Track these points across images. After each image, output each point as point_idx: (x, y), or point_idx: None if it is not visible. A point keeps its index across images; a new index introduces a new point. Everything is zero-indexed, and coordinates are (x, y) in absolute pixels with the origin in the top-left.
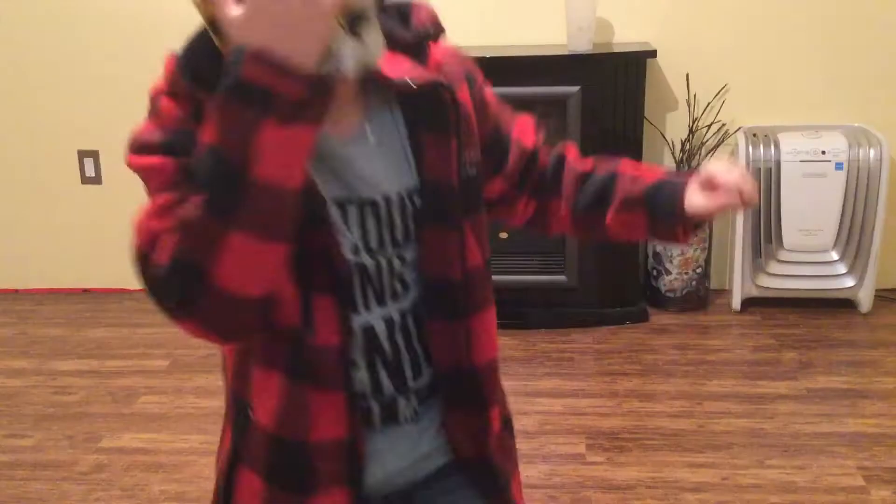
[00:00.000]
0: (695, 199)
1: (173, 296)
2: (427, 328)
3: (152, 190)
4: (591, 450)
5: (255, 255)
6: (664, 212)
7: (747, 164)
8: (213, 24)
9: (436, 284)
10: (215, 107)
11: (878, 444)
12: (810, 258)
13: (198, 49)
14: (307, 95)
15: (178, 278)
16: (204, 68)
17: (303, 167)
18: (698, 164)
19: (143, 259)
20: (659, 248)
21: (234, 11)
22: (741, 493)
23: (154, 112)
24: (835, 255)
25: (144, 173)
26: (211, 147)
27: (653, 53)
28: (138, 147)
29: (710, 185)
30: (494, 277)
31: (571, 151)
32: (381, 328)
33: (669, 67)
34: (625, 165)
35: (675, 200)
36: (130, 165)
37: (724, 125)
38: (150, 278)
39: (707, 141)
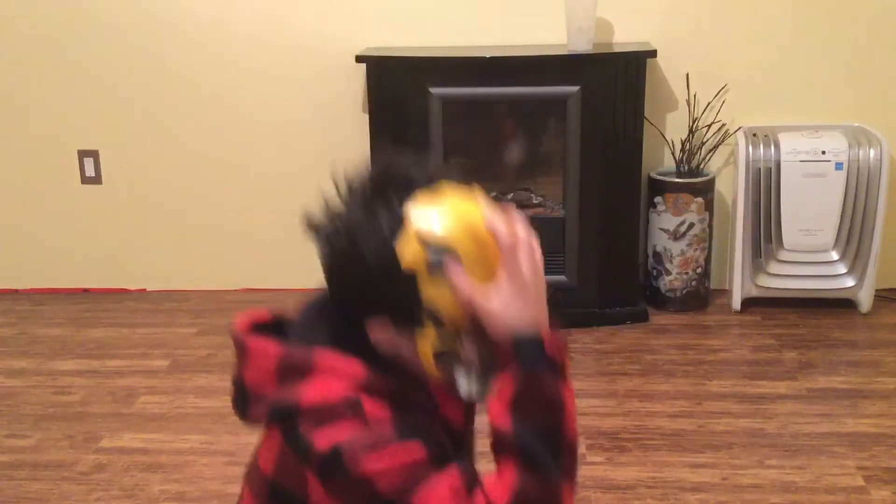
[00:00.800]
0: None
1: None
2: None
3: (401, 483)
4: (591, 450)
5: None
6: None
7: (747, 164)
8: (457, 326)
9: None
10: (522, 389)
11: (877, 444)
12: (810, 258)
13: (366, 350)
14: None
15: None
16: (383, 364)
17: None
18: (698, 165)
19: None
20: (659, 248)
21: (493, 302)
22: (741, 493)
23: (358, 418)
24: (835, 255)
25: (397, 472)
26: (533, 422)
27: (653, 53)
28: (378, 449)
29: None
30: None
31: None
32: None
33: (669, 67)
34: None
35: None
36: (371, 474)
37: (724, 125)
38: None
39: (707, 141)
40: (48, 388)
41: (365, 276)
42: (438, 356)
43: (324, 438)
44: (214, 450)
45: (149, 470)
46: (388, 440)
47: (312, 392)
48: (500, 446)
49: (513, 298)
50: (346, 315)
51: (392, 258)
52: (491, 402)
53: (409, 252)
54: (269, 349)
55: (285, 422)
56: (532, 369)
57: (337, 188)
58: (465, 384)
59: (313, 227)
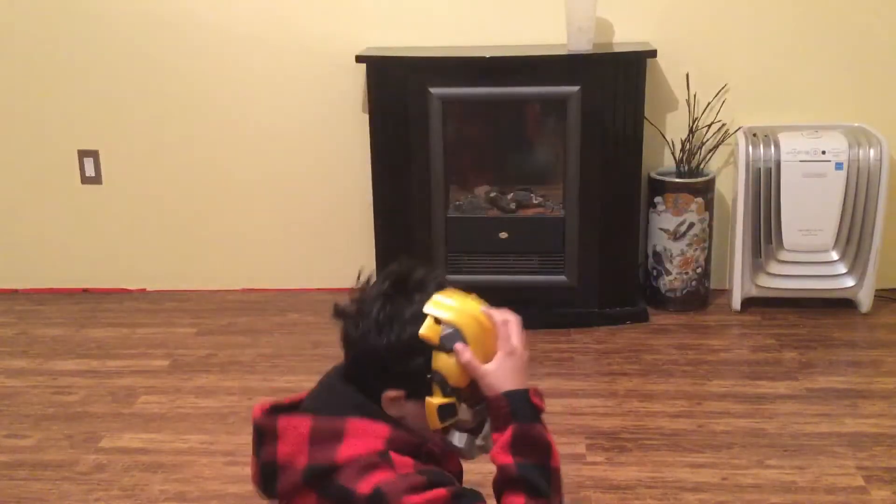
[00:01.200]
0: None
1: None
2: None
3: None
4: (591, 450)
5: None
6: None
7: (747, 164)
8: (459, 388)
9: None
10: (519, 434)
11: (878, 444)
12: (810, 258)
13: (382, 414)
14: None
15: None
16: (402, 424)
17: None
18: (698, 165)
19: None
20: (659, 248)
21: (488, 367)
22: (741, 493)
23: (388, 466)
24: (835, 255)
25: None
26: (530, 459)
27: (653, 53)
28: (412, 489)
29: None
30: (495, 277)
31: None
32: None
33: (669, 67)
34: None
35: None
36: None
37: (724, 125)
38: None
39: (707, 141)
40: (48, 388)
41: (385, 351)
42: (441, 418)
43: (365, 483)
44: (214, 450)
45: (149, 470)
46: (420, 482)
47: (346, 451)
48: (506, 482)
49: (505, 363)
50: (363, 387)
51: (411, 336)
52: (494, 448)
53: (426, 328)
54: (298, 421)
55: (323, 480)
56: (524, 418)
57: (361, 283)
58: (461, 442)
59: (340, 311)
